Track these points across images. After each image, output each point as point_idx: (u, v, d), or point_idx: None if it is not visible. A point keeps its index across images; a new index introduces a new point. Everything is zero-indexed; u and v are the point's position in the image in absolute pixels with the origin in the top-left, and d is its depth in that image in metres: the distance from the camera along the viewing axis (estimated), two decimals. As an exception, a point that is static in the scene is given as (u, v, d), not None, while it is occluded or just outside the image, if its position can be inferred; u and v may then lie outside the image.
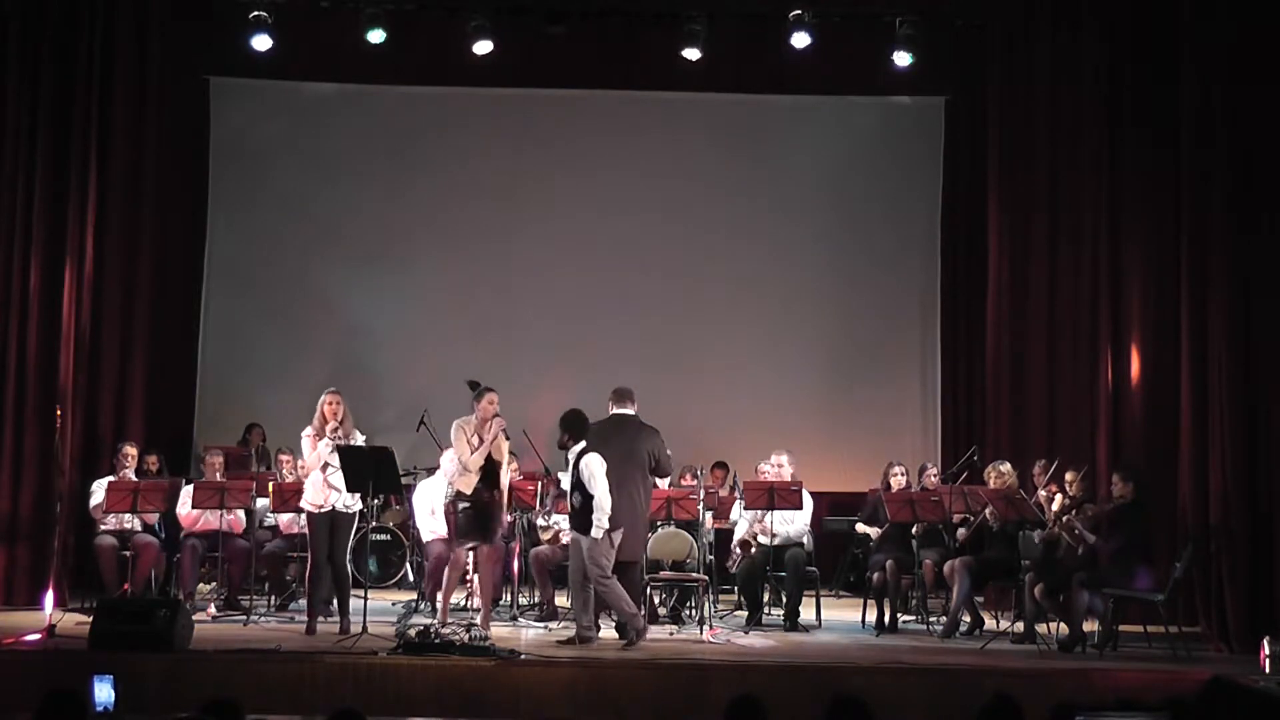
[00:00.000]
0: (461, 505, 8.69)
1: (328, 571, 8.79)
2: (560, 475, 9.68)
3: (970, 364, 12.34)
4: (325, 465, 8.69)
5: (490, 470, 8.72)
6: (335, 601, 8.91)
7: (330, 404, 8.78)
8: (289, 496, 9.40)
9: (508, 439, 9.00)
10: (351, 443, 8.74)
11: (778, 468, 9.81)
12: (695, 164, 12.61)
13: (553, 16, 11.96)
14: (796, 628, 9.43)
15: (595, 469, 8.48)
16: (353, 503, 8.81)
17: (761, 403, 12.28)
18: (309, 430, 8.83)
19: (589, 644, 8.38)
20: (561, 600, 9.76)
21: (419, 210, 12.52)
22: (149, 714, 6.87)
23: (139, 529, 9.62)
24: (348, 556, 8.98)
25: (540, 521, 10.01)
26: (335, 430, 8.68)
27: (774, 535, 9.55)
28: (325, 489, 8.74)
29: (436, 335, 12.37)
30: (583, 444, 8.59)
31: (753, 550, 9.78)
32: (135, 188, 10.99)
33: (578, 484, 8.52)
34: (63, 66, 10.25)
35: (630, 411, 8.99)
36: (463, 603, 9.76)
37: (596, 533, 8.41)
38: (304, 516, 9.07)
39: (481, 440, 8.67)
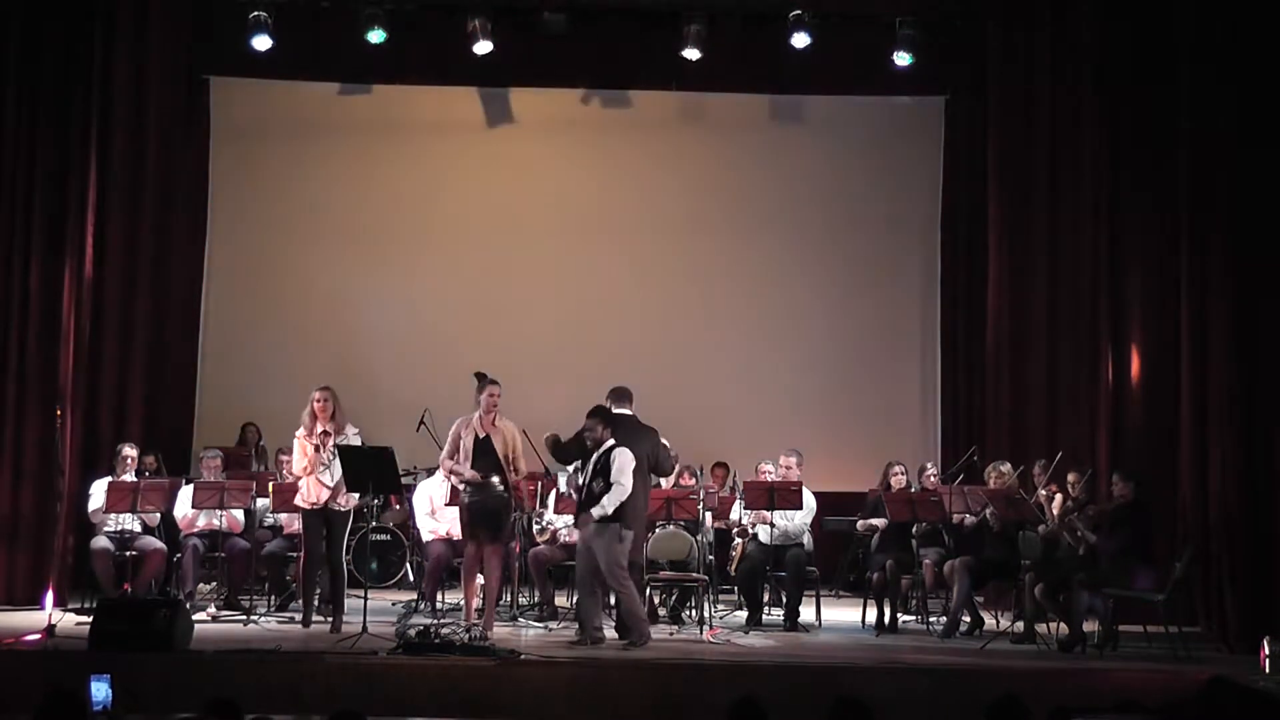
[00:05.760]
0: (466, 499, 8.70)
1: (323, 567, 8.77)
2: (559, 475, 9.67)
3: (970, 364, 12.33)
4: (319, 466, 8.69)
5: (491, 462, 8.67)
6: (330, 600, 8.90)
7: (319, 401, 8.77)
8: (289, 496, 9.39)
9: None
10: (346, 440, 8.73)
11: (786, 470, 9.80)
12: (695, 164, 12.60)
13: (552, 15, 11.95)
14: (796, 628, 9.43)
15: (626, 463, 8.47)
16: (345, 500, 8.81)
17: (762, 402, 12.27)
18: (301, 431, 8.84)
19: (600, 644, 8.37)
20: (561, 600, 9.76)
21: (419, 210, 12.50)
22: (148, 714, 6.86)
23: (139, 531, 9.62)
24: (347, 555, 8.97)
25: (538, 523, 9.99)
26: (324, 434, 8.66)
27: (773, 525, 9.55)
28: (318, 487, 8.74)
29: (436, 335, 12.35)
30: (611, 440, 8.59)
31: (751, 535, 9.78)
32: (135, 188, 10.99)
33: (602, 469, 8.47)
34: (63, 66, 10.24)
35: (628, 412, 8.98)
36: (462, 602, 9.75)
37: (597, 512, 8.33)
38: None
39: (480, 434, 8.64)
